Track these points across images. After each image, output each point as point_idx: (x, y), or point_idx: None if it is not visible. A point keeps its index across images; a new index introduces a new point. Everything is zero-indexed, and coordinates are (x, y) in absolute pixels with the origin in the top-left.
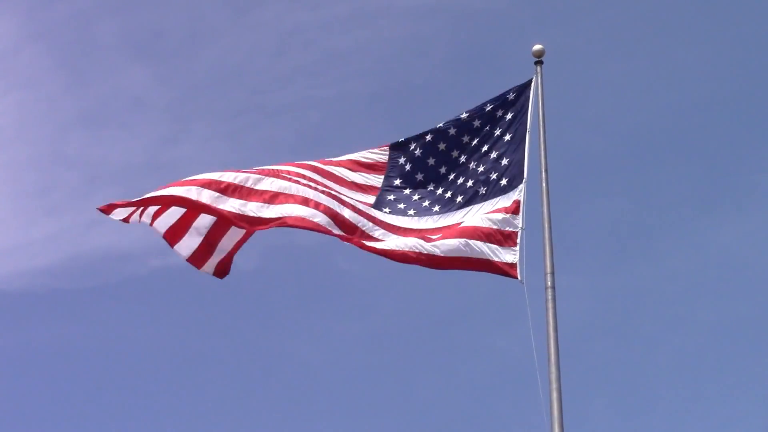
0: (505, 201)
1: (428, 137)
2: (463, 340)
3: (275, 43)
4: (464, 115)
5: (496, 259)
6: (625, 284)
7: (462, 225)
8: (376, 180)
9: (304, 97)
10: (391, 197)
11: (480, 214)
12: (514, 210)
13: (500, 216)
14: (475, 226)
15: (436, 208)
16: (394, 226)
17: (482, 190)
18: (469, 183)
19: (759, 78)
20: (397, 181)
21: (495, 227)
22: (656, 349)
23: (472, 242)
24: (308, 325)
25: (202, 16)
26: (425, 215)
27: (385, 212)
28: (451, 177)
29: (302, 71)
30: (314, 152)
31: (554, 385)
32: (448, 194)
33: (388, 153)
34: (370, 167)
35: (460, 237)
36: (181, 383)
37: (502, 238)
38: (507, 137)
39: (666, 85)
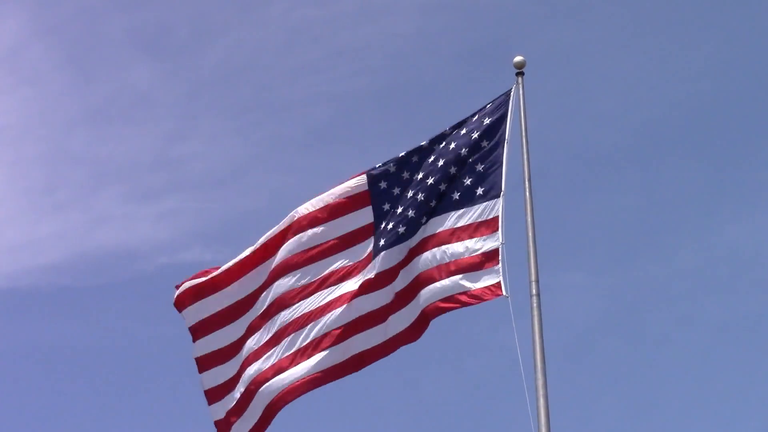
0: (480, 214)
1: (408, 158)
2: (469, 337)
3: (282, 40)
4: (446, 130)
5: (477, 286)
6: (633, 281)
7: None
8: (366, 215)
9: (311, 93)
10: (387, 226)
11: (459, 242)
12: (493, 229)
13: (481, 240)
14: (454, 261)
15: (414, 214)
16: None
17: (456, 196)
18: (442, 186)
19: (766, 74)
20: (386, 206)
21: (478, 253)
22: (664, 347)
23: (450, 279)
24: None
25: (208, 12)
26: (415, 228)
27: (382, 253)
28: (429, 181)
29: (309, 67)
30: (322, 149)
31: (541, 392)
32: (421, 196)
33: (366, 181)
34: (354, 201)
35: (437, 278)
36: (187, 380)
37: (485, 259)
38: (484, 144)
39: (674, 82)
